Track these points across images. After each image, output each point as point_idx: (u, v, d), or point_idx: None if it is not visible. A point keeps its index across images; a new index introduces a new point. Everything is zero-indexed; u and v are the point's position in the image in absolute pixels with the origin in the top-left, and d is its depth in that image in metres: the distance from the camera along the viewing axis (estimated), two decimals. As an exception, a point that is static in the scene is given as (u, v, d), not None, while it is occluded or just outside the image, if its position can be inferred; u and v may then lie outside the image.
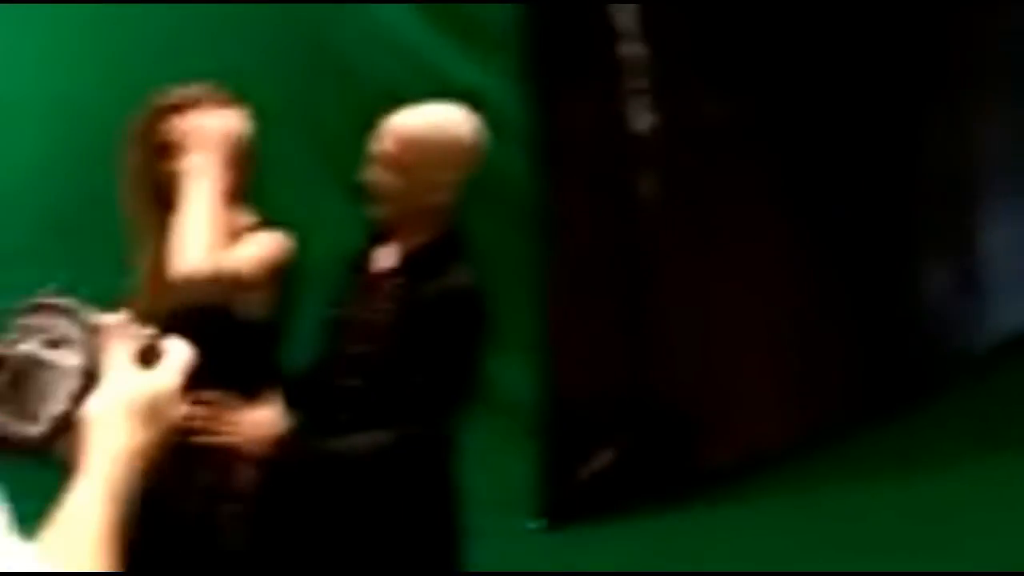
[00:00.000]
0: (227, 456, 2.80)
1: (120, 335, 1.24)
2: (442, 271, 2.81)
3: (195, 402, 2.80)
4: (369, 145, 2.86)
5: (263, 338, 2.82)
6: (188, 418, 2.77)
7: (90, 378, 1.23)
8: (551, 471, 4.55)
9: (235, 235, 2.78)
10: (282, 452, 2.79)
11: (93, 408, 1.20)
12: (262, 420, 2.83)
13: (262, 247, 2.79)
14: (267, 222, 2.85)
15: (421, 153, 2.80)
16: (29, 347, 1.25)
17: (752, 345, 4.72)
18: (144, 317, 2.93)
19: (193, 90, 2.83)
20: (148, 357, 1.27)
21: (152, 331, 1.28)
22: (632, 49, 4.58)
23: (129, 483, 1.18)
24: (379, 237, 2.96)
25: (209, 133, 2.76)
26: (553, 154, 4.52)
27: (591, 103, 4.58)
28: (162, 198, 2.83)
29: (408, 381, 2.75)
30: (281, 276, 2.82)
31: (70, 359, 1.24)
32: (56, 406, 1.23)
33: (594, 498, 4.57)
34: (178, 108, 2.80)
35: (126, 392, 1.22)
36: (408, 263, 2.88)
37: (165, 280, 2.85)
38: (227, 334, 2.79)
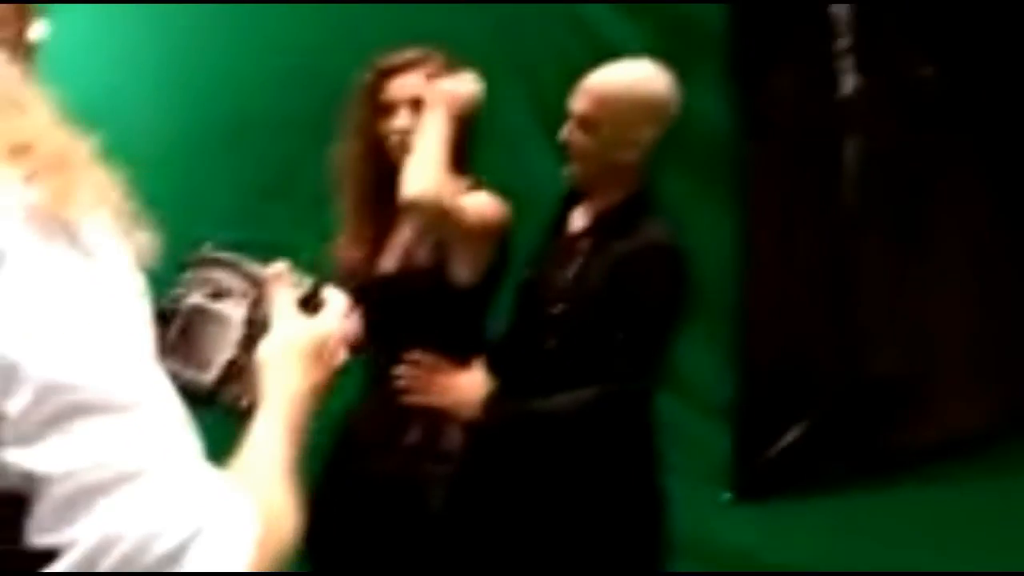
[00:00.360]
0: (435, 418, 2.83)
1: (282, 285, 1.31)
2: (635, 228, 2.78)
3: (406, 363, 2.85)
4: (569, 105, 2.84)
5: (474, 303, 2.83)
6: (399, 378, 2.84)
7: (255, 326, 1.29)
8: (743, 444, 4.46)
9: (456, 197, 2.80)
10: (488, 415, 2.80)
11: (265, 353, 1.26)
12: (470, 383, 2.85)
13: (483, 204, 2.80)
14: (486, 188, 2.87)
15: (614, 110, 2.77)
16: (196, 299, 1.31)
17: (953, 323, 4.51)
18: (353, 276, 2.98)
19: (415, 53, 2.87)
20: (309, 304, 1.32)
21: (311, 280, 1.34)
22: (839, 9, 4.43)
23: (304, 420, 1.23)
24: (574, 198, 2.94)
25: (446, 94, 2.78)
26: (756, 119, 4.41)
27: (797, 66, 4.45)
28: (379, 159, 2.88)
29: (607, 339, 2.72)
30: (496, 240, 2.83)
31: (235, 309, 1.30)
32: (224, 353, 1.29)
33: (786, 473, 4.46)
34: (401, 70, 2.84)
35: (294, 336, 1.28)
36: (601, 222, 2.85)
37: (375, 241, 2.90)
38: (439, 298, 2.82)
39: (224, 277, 1.32)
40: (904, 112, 4.47)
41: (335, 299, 1.34)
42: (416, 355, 2.83)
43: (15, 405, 0.93)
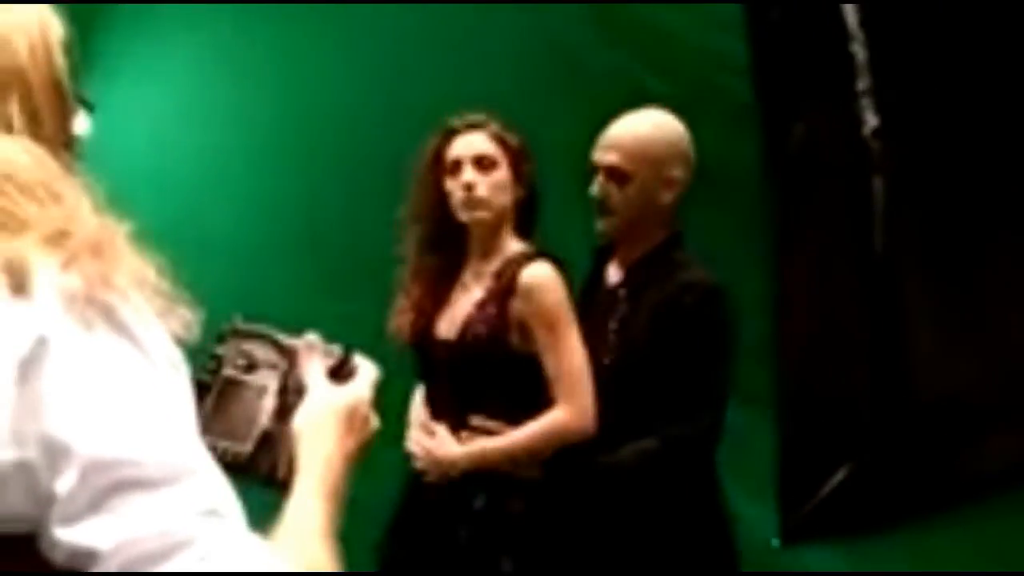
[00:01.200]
0: (500, 481, 2.81)
1: (313, 355, 1.36)
2: (673, 271, 2.79)
3: (471, 429, 2.84)
4: (592, 160, 2.87)
5: (536, 369, 2.83)
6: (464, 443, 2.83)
7: (288, 396, 1.33)
8: (787, 490, 4.40)
9: (510, 262, 2.83)
10: (552, 474, 2.79)
11: (300, 422, 1.31)
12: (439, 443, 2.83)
13: (552, 288, 2.86)
14: (540, 252, 2.89)
15: (647, 156, 2.82)
16: (229, 372, 1.34)
17: (1009, 348, 4.46)
18: (412, 340, 3.01)
19: (479, 116, 2.98)
20: (341, 373, 1.36)
21: (341, 349, 1.38)
22: (858, 49, 4.45)
23: (342, 484, 1.27)
24: (607, 250, 2.96)
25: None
26: (783, 160, 4.42)
27: (822, 105, 4.46)
28: (442, 215, 2.92)
29: (664, 385, 2.71)
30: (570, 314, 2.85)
31: (268, 380, 1.34)
32: (259, 424, 1.32)
33: (834, 515, 4.39)
34: (466, 129, 2.91)
35: (328, 404, 1.32)
36: (639, 269, 2.85)
37: (434, 302, 2.92)
38: (501, 363, 2.82)
39: (256, 349, 1.35)
40: (930, 148, 4.47)
41: (365, 367, 1.39)
42: (479, 422, 2.83)
43: (64, 485, 0.96)
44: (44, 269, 1.01)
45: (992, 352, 4.34)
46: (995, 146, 4.39)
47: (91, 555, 0.95)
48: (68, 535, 0.96)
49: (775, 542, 4.34)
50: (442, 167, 2.96)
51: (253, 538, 1.03)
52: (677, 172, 2.89)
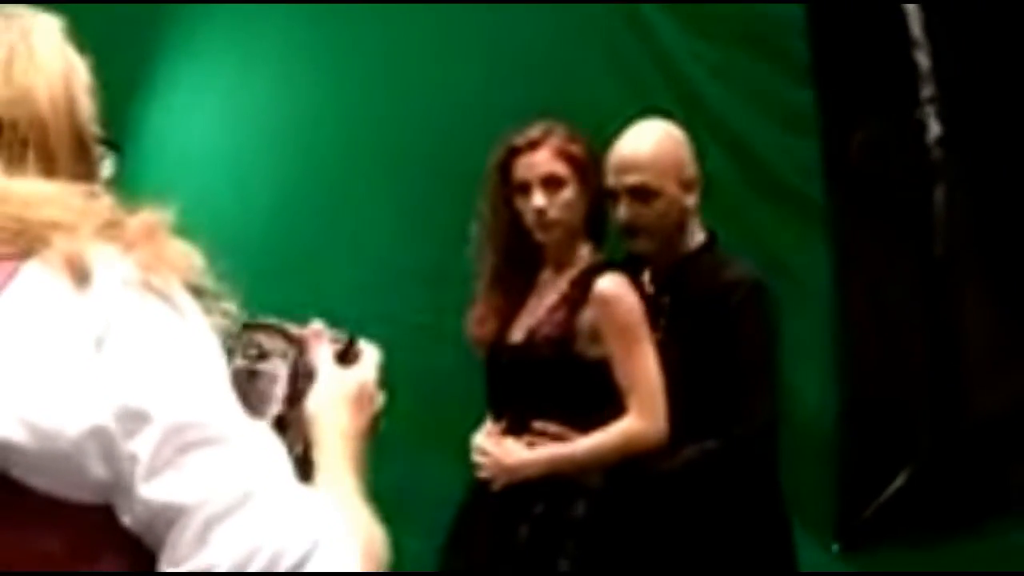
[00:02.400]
0: (562, 487, 2.85)
1: (320, 341, 1.43)
2: (713, 271, 2.83)
3: (536, 434, 2.88)
4: (608, 186, 2.90)
5: (601, 374, 2.87)
6: (531, 447, 2.87)
7: (299, 382, 1.40)
8: (846, 494, 4.42)
9: (586, 271, 2.88)
10: (615, 480, 2.82)
11: (314, 403, 1.39)
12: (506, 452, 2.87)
13: (623, 297, 2.88)
14: (612, 262, 2.93)
15: (666, 164, 2.86)
16: (241, 362, 1.41)
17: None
18: (486, 348, 3.04)
19: (539, 130, 2.98)
20: (347, 357, 1.44)
21: (346, 334, 1.45)
22: (922, 57, 4.45)
23: (361, 459, 1.35)
24: (637, 261, 2.98)
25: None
26: (845, 169, 4.44)
27: (885, 114, 4.47)
28: (515, 234, 2.96)
29: (718, 386, 2.74)
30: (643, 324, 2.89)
31: (279, 368, 1.41)
32: (273, 409, 1.39)
33: (894, 521, 4.40)
34: (528, 148, 2.93)
35: (337, 386, 1.40)
36: (677, 276, 2.89)
37: (508, 314, 2.97)
38: (566, 369, 2.86)
39: (265, 339, 1.43)
40: (993, 157, 4.45)
41: (369, 350, 1.46)
42: (543, 427, 2.86)
43: (145, 446, 1.05)
44: (103, 255, 1.11)
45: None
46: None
47: (178, 509, 1.04)
48: (154, 492, 1.05)
49: (835, 547, 4.35)
50: (510, 186, 2.98)
51: (310, 490, 1.15)
52: (692, 172, 2.94)
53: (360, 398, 1.40)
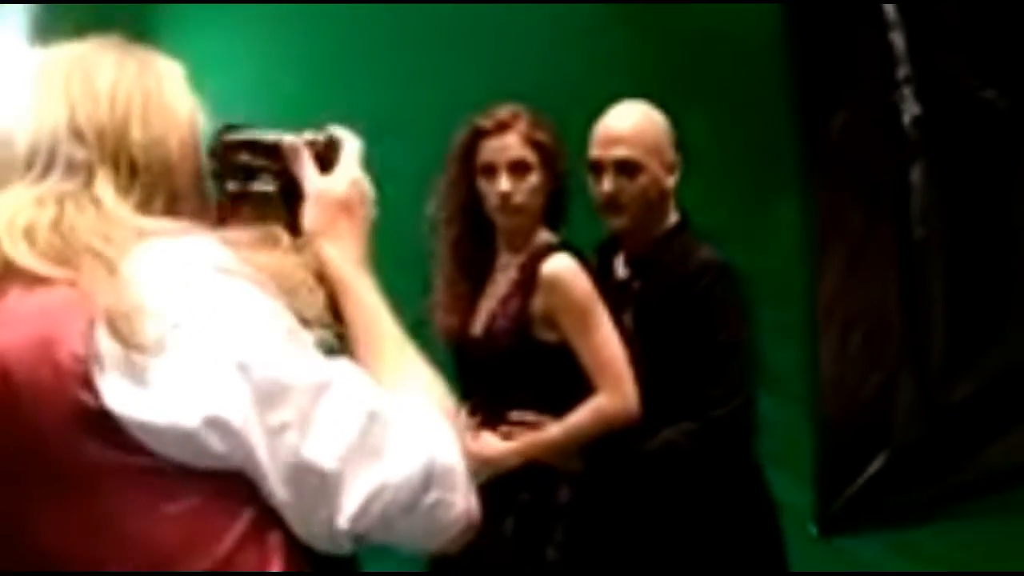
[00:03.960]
0: (544, 474, 2.82)
1: (299, 152, 1.43)
2: (683, 255, 2.82)
3: (510, 424, 2.84)
4: (593, 158, 2.87)
5: (565, 357, 2.83)
6: (507, 438, 2.83)
7: (289, 194, 1.41)
8: (824, 479, 4.41)
9: (533, 255, 2.83)
10: (596, 464, 2.80)
11: (310, 224, 1.40)
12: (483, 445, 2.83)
13: (575, 280, 2.83)
14: (562, 243, 2.89)
15: (651, 142, 2.86)
16: (233, 187, 1.42)
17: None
18: (450, 341, 2.97)
19: (507, 113, 2.91)
20: (328, 154, 1.44)
21: (319, 132, 1.45)
22: (897, 39, 4.43)
23: (370, 262, 1.43)
24: (610, 246, 2.96)
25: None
26: (823, 151, 4.42)
27: (861, 97, 4.45)
28: (475, 217, 2.91)
29: (691, 368, 2.72)
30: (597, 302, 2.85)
31: (267, 185, 1.41)
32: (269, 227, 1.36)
33: (871, 505, 4.39)
34: (496, 131, 2.87)
35: (329, 196, 1.41)
36: (648, 259, 2.87)
37: (469, 303, 2.92)
38: (528, 357, 2.82)
39: (248, 158, 1.42)
40: (969, 136, 4.44)
41: (348, 142, 1.46)
42: (519, 416, 2.83)
43: (290, 414, 1.18)
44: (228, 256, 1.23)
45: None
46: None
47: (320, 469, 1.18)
48: (307, 452, 1.18)
49: (813, 530, 4.34)
50: (473, 167, 2.93)
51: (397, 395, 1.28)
52: (673, 155, 2.93)
53: (351, 203, 1.42)
